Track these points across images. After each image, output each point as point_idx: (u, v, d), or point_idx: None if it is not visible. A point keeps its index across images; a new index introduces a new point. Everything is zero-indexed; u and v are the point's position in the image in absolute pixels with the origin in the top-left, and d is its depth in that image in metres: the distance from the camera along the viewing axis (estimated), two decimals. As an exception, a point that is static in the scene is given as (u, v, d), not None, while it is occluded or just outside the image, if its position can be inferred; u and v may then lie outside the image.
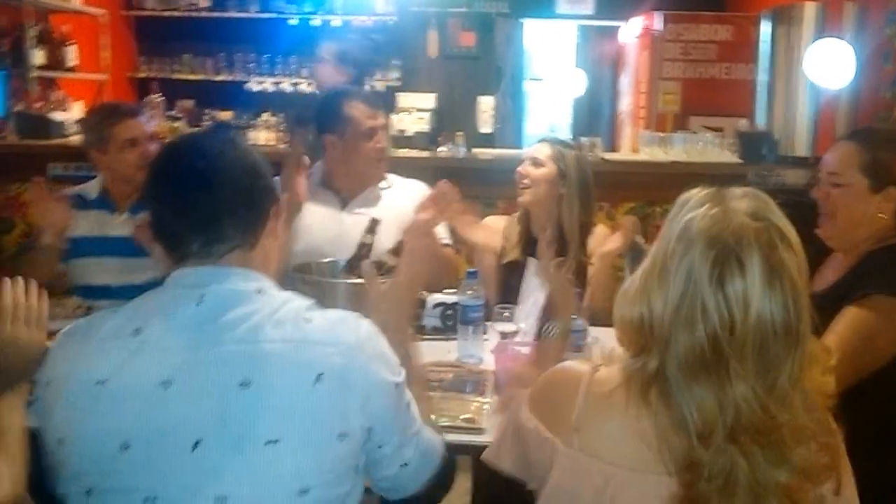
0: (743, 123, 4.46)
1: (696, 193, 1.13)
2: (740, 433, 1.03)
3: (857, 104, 4.16)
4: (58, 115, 4.46)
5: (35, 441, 1.20)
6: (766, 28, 4.53)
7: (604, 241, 2.68)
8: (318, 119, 2.64)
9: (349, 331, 1.20)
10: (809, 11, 4.27)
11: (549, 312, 2.01)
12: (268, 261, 1.28)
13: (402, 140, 4.80)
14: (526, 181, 2.64)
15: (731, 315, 1.04)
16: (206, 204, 1.21)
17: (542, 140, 2.79)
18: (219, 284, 1.18)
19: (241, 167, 1.24)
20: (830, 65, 3.96)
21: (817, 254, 2.01)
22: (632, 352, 1.14)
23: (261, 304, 1.17)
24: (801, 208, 2.03)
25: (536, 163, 2.65)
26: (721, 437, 1.03)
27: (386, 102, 2.77)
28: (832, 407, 1.11)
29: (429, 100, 5.41)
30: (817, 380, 1.10)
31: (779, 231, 1.07)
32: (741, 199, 1.09)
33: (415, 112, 5.11)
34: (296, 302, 1.21)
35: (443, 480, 1.36)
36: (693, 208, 1.10)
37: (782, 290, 1.04)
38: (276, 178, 2.56)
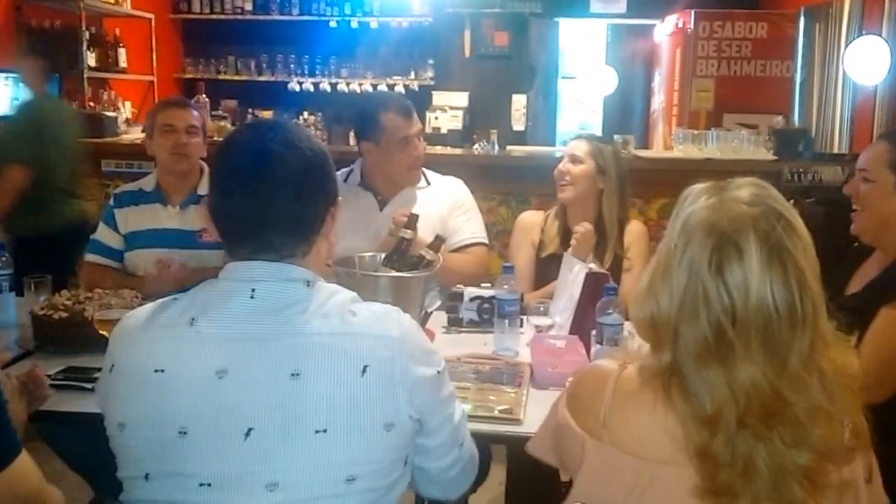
0: (779, 120, 4.41)
1: (697, 187, 1.14)
2: (753, 417, 1.03)
3: (894, 101, 4.10)
4: (110, 114, 4.60)
5: (97, 426, 1.24)
6: (803, 25, 4.49)
7: (639, 236, 2.70)
8: (356, 126, 2.71)
9: (393, 324, 1.22)
10: (847, 8, 4.22)
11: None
12: (318, 259, 1.30)
13: (437, 138, 4.85)
14: (567, 178, 2.65)
15: (733, 301, 1.04)
16: (256, 214, 1.21)
17: (579, 137, 2.80)
18: (269, 279, 1.20)
19: (297, 175, 1.22)
20: (868, 61, 3.95)
21: (858, 255, 2.04)
22: (651, 349, 1.15)
23: (309, 297, 1.19)
24: (838, 205, 2.06)
25: (575, 160, 2.66)
26: (734, 422, 1.03)
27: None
28: (867, 404, 1.10)
29: (463, 98, 5.43)
30: (837, 360, 1.08)
31: (777, 214, 1.07)
32: (740, 188, 1.10)
33: (449, 110, 5.15)
34: (341, 295, 1.23)
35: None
36: (692, 202, 1.11)
37: (784, 273, 1.04)
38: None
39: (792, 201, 1.13)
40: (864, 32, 4.11)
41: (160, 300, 1.26)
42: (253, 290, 1.18)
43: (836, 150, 4.23)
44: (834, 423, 1.05)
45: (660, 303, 1.09)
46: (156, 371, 1.14)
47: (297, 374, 1.13)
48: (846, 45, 4.13)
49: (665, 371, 1.09)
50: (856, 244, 2.05)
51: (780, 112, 4.52)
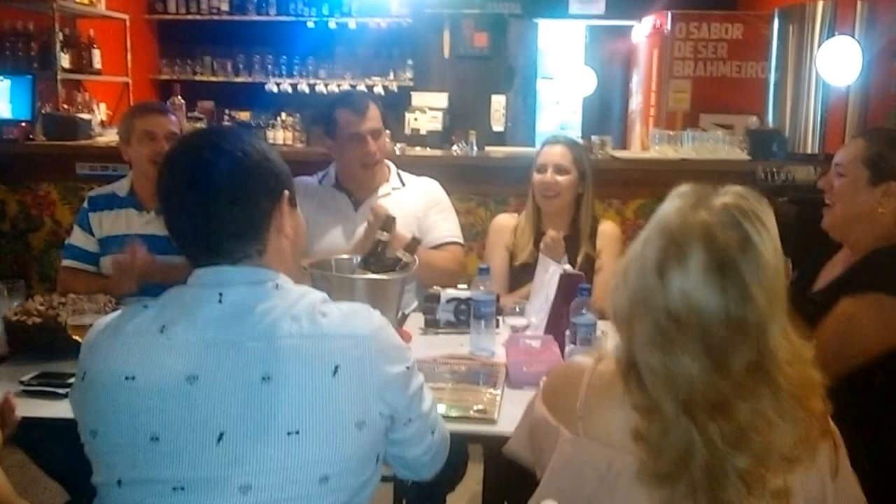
0: (753, 121, 4.44)
1: (682, 188, 1.15)
2: (696, 408, 1.05)
3: (866, 101, 4.17)
4: (84, 117, 4.54)
5: (72, 431, 1.24)
6: (776, 26, 4.53)
7: (612, 237, 2.72)
8: (320, 124, 2.74)
9: (363, 323, 1.24)
10: (820, 9, 4.26)
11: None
12: (284, 257, 1.29)
13: (416, 139, 4.82)
14: (555, 189, 2.66)
15: (674, 303, 1.06)
16: (199, 223, 1.23)
17: (556, 141, 2.78)
18: (236, 284, 1.21)
19: (231, 177, 1.22)
20: (840, 62, 3.99)
21: (825, 252, 2.07)
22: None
23: (278, 300, 1.20)
24: (810, 204, 2.09)
25: (562, 170, 2.66)
26: (672, 408, 1.06)
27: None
28: (823, 397, 1.12)
29: (442, 99, 5.43)
30: (794, 375, 1.09)
31: (738, 226, 1.07)
32: (719, 197, 1.10)
33: (428, 111, 5.14)
34: (311, 296, 1.24)
35: (452, 467, 1.44)
36: (668, 203, 1.13)
37: (723, 284, 1.05)
38: (308, 177, 2.66)
39: (766, 200, 1.13)
40: (836, 33, 4.15)
41: (130, 307, 1.27)
42: (221, 295, 1.19)
43: (808, 151, 4.27)
44: (777, 433, 1.07)
45: (619, 298, 1.13)
46: (126, 378, 1.15)
47: (268, 378, 1.14)
48: (819, 47, 4.17)
49: (624, 363, 1.13)
50: (821, 245, 2.08)
51: (754, 112, 4.55)
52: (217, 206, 1.21)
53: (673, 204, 1.12)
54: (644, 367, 1.09)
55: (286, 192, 1.28)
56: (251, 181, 1.24)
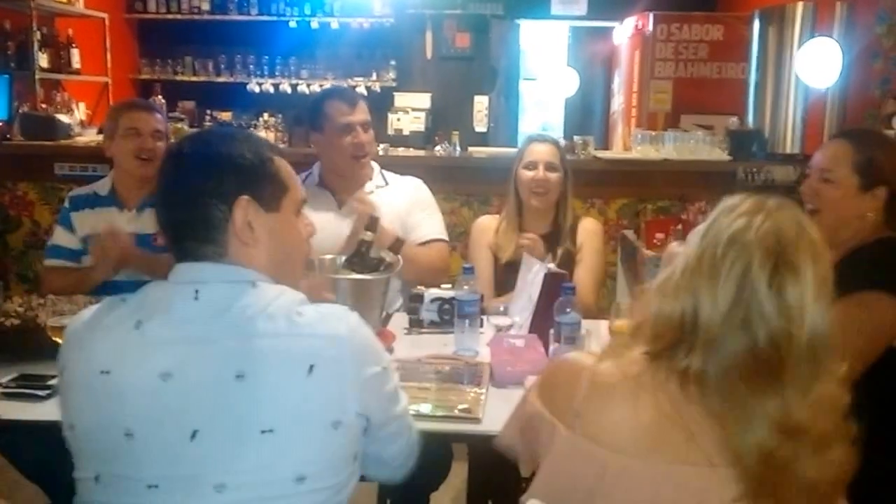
0: (733, 121, 4.47)
1: (740, 201, 1.14)
2: (792, 434, 1.05)
3: (845, 102, 4.22)
4: (63, 117, 4.50)
5: (51, 433, 1.24)
6: (756, 27, 4.57)
7: (592, 232, 2.75)
8: (307, 119, 2.74)
9: (339, 323, 1.23)
10: (800, 11, 4.31)
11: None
12: (255, 263, 1.26)
13: (399, 139, 4.87)
14: (546, 186, 2.67)
15: (790, 322, 1.05)
16: (166, 225, 1.26)
17: (544, 140, 2.81)
18: (213, 281, 1.21)
19: (180, 183, 1.25)
20: (819, 63, 4.03)
21: None
22: (658, 346, 1.14)
23: (254, 298, 1.19)
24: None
25: (552, 167, 2.68)
26: (775, 442, 1.05)
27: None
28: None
29: (425, 100, 5.45)
30: (833, 391, 1.10)
31: (815, 243, 1.10)
32: (782, 209, 1.12)
33: (411, 112, 5.17)
34: (288, 296, 1.23)
35: (437, 466, 1.44)
36: (744, 215, 1.11)
37: (827, 302, 1.08)
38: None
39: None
40: (815, 35, 4.20)
41: (109, 300, 1.26)
42: (197, 292, 1.19)
43: (788, 151, 4.31)
44: (839, 449, 1.08)
45: (700, 305, 1.09)
46: (101, 372, 1.15)
47: (242, 376, 1.13)
48: (798, 48, 4.22)
49: (691, 374, 1.09)
50: None
51: (735, 113, 4.59)
52: (174, 206, 1.25)
53: (748, 218, 1.10)
54: (725, 388, 1.07)
55: (246, 197, 1.23)
56: (199, 183, 1.23)
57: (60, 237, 2.70)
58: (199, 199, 1.23)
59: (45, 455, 1.32)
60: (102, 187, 2.73)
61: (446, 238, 2.77)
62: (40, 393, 1.72)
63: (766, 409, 1.05)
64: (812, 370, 1.06)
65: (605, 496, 1.10)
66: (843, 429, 1.09)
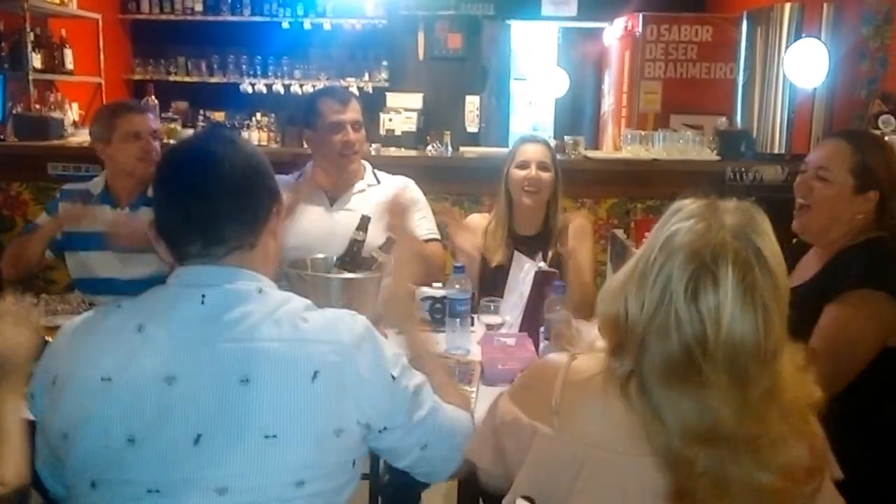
0: (721, 122, 4.52)
1: (689, 204, 1.13)
2: (721, 439, 1.05)
3: (832, 102, 4.26)
4: (56, 117, 4.52)
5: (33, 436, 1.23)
6: (744, 28, 4.60)
7: (581, 230, 2.75)
8: (301, 116, 2.79)
9: (345, 329, 1.22)
10: (787, 12, 4.35)
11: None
12: (267, 260, 1.29)
13: (391, 139, 4.87)
14: (538, 185, 2.68)
15: (704, 329, 1.05)
16: (204, 208, 1.22)
17: (535, 140, 2.83)
18: (220, 285, 1.20)
19: (242, 170, 1.24)
20: (807, 64, 4.06)
21: (794, 251, 2.05)
22: (610, 345, 1.16)
23: (261, 304, 1.20)
24: (778, 203, 2.08)
25: (545, 167, 2.70)
26: (703, 439, 1.05)
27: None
28: (824, 409, 1.12)
29: (417, 100, 5.47)
30: (799, 391, 1.10)
31: (757, 251, 1.07)
32: (730, 214, 1.10)
33: (403, 112, 5.17)
34: (294, 302, 1.23)
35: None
36: (681, 220, 1.11)
37: (753, 310, 1.05)
38: (284, 176, 2.70)
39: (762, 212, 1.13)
40: (803, 36, 4.23)
41: (103, 307, 1.25)
42: (203, 296, 1.19)
43: (776, 151, 4.35)
44: (795, 450, 1.08)
45: (629, 308, 1.11)
46: (102, 379, 1.14)
47: (247, 380, 1.13)
48: (786, 49, 4.25)
49: (625, 376, 1.11)
50: (794, 240, 2.07)
51: (723, 113, 4.63)
52: (228, 189, 1.23)
53: (687, 223, 1.10)
54: (658, 390, 1.08)
55: (282, 199, 1.32)
56: (261, 175, 1.27)
57: (42, 220, 2.75)
58: (259, 187, 1.26)
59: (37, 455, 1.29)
60: (95, 186, 2.75)
61: (440, 237, 2.79)
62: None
63: (681, 414, 1.06)
64: (735, 377, 1.05)
65: (582, 490, 1.12)
66: (802, 430, 1.10)
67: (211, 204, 1.22)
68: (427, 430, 1.32)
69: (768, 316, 1.06)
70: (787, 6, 4.36)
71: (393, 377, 1.25)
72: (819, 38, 4.15)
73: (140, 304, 1.22)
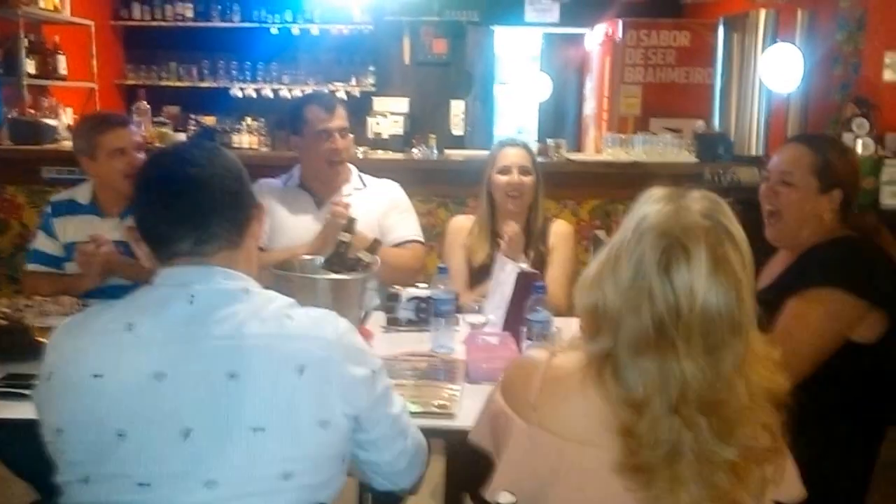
0: (700, 125, 4.59)
1: (657, 191, 1.17)
2: (685, 405, 1.07)
3: (807, 106, 4.34)
4: (50, 121, 4.55)
5: (38, 433, 1.24)
6: (721, 34, 4.66)
7: (565, 235, 2.81)
8: (288, 122, 2.83)
9: (329, 326, 1.26)
10: (763, 18, 4.42)
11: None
12: (250, 260, 1.32)
13: (378, 142, 4.93)
14: (520, 190, 2.73)
15: (678, 301, 1.07)
16: (197, 204, 1.24)
17: (515, 144, 2.86)
18: (208, 284, 1.22)
19: (229, 172, 1.28)
20: (782, 69, 4.12)
21: (765, 253, 2.07)
22: (588, 334, 1.18)
23: (247, 303, 1.22)
24: (754, 205, 2.08)
25: (526, 171, 2.75)
26: (663, 407, 1.07)
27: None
28: (785, 402, 1.14)
29: (403, 104, 5.53)
30: (764, 375, 1.13)
31: (726, 230, 1.11)
32: (696, 200, 1.14)
33: (389, 116, 5.24)
34: (279, 301, 1.26)
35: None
36: (650, 204, 1.14)
37: (726, 282, 1.08)
38: (273, 179, 2.77)
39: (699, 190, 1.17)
40: (778, 41, 4.30)
41: (96, 306, 1.28)
42: (192, 297, 1.21)
43: (752, 153, 4.40)
44: (757, 426, 1.11)
45: (605, 293, 1.13)
46: (94, 376, 1.16)
47: (235, 375, 1.15)
48: (762, 53, 4.32)
49: (601, 356, 1.13)
50: (761, 244, 2.07)
51: (701, 116, 4.69)
52: (219, 188, 1.26)
53: (656, 206, 1.13)
54: (630, 364, 1.10)
55: (261, 206, 1.36)
56: (243, 179, 1.31)
57: (42, 242, 2.72)
58: (241, 194, 1.29)
59: (32, 452, 1.30)
60: (83, 196, 2.74)
61: (422, 239, 2.84)
62: (27, 392, 1.71)
63: (650, 381, 1.09)
64: (710, 347, 1.09)
65: (562, 482, 1.15)
66: (765, 410, 1.13)
67: (203, 200, 1.24)
68: (400, 429, 1.38)
69: (740, 287, 1.09)
70: (763, 12, 4.43)
71: (372, 372, 1.29)
72: (794, 44, 4.22)
73: (130, 304, 1.24)
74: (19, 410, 1.71)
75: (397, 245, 2.75)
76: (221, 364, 1.15)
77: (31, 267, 2.73)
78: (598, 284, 1.15)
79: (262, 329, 1.19)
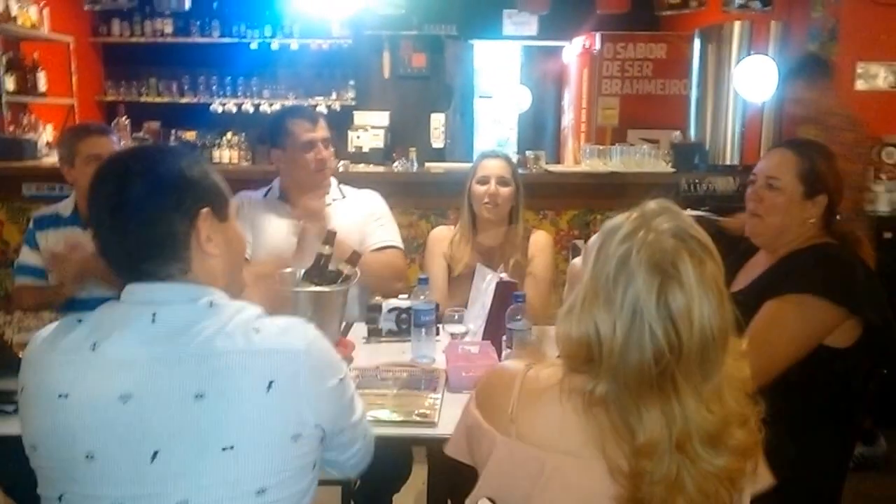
0: (676, 135, 4.67)
1: (622, 222, 1.15)
2: (688, 441, 1.07)
3: (780, 116, 4.41)
4: (30, 138, 4.56)
5: (21, 448, 1.22)
6: (697, 46, 4.75)
7: (545, 245, 2.84)
8: (268, 136, 2.83)
9: (297, 337, 1.22)
10: (737, 30, 4.52)
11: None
12: (213, 272, 1.26)
13: (359, 156, 4.93)
14: (497, 200, 2.76)
15: (678, 331, 1.07)
16: (116, 249, 1.22)
17: (495, 155, 2.90)
18: (169, 302, 1.19)
19: (137, 203, 1.20)
20: (756, 79, 4.21)
21: (740, 255, 2.12)
22: (573, 362, 1.17)
23: (212, 318, 1.18)
24: (730, 213, 2.10)
25: (504, 182, 2.77)
26: (666, 448, 1.07)
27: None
28: (753, 394, 1.15)
29: (383, 118, 5.51)
30: (734, 366, 1.14)
31: (699, 243, 1.12)
32: (661, 219, 1.13)
33: (370, 129, 5.23)
34: (245, 312, 1.22)
35: (398, 468, 1.48)
36: (626, 239, 1.12)
37: (714, 297, 1.09)
38: (253, 192, 2.75)
39: (688, 210, 1.19)
40: (752, 52, 4.40)
41: (64, 321, 1.25)
42: (154, 314, 1.18)
43: (728, 162, 4.51)
44: (743, 428, 1.12)
45: (600, 329, 1.12)
46: (60, 396, 1.14)
47: (202, 395, 1.12)
48: (736, 65, 4.41)
49: (596, 397, 1.12)
50: (741, 244, 2.13)
51: (678, 127, 4.77)
52: (130, 228, 1.20)
53: (629, 244, 1.12)
54: (633, 409, 1.09)
55: (206, 209, 1.24)
56: (160, 201, 1.21)
57: (27, 256, 2.75)
58: (161, 217, 1.20)
59: (15, 467, 1.30)
60: (65, 208, 2.77)
61: (401, 245, 2.84)
62: (8, 408, 1.72)
63: (653, 426, 1.09)
64: (705, 370, 1.10)
65: (543, 492, 1.14)
66: (744, 406, 1.14)
67: (122, 241, 1.21)
68: (361, 434, 1.40)
69: (723, 298, 1.10)
70: (737, 24, 4.53)
71: (340, 380, 1.28)
72: (767, 55, 4.32)
73: (96, 321, 1.21)
74: (1, 427, 1.70)
75: (375, 250, 2.75)
76: (188, 384, 1.13)
77: (18, 282, 2.76)
78: (591, 319, 1.13)
79: (229, 345, 1.16)
